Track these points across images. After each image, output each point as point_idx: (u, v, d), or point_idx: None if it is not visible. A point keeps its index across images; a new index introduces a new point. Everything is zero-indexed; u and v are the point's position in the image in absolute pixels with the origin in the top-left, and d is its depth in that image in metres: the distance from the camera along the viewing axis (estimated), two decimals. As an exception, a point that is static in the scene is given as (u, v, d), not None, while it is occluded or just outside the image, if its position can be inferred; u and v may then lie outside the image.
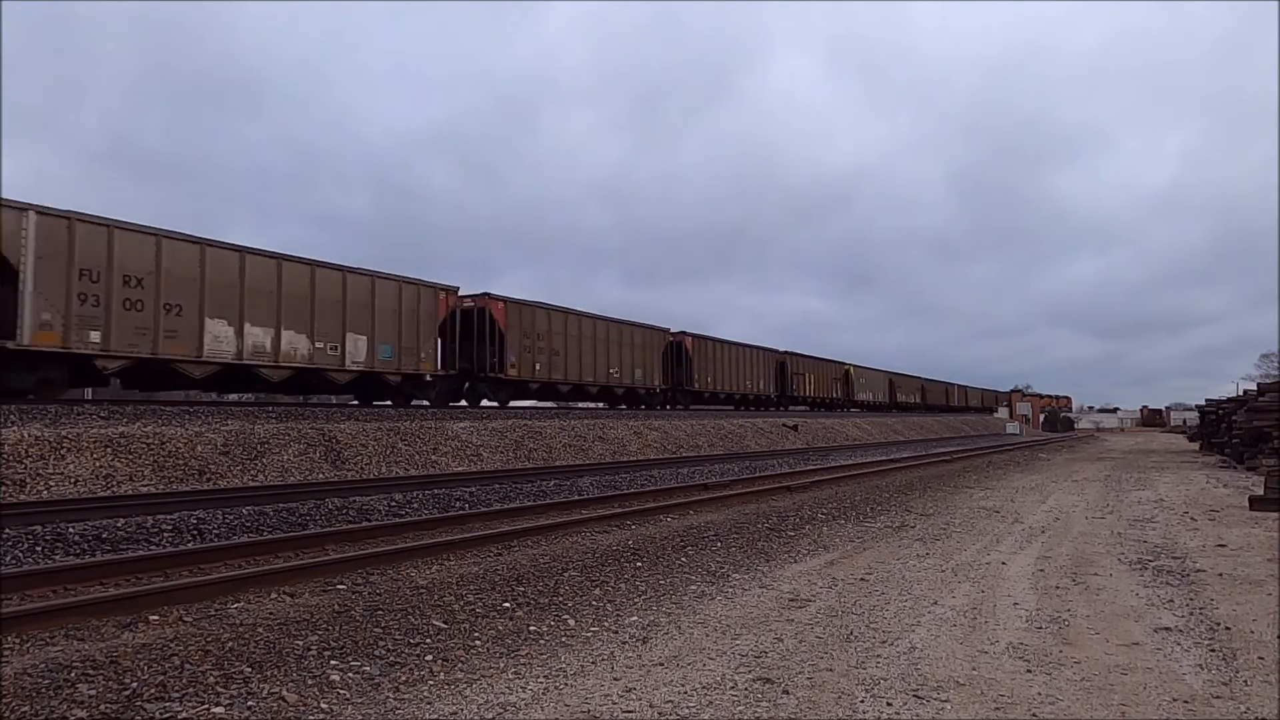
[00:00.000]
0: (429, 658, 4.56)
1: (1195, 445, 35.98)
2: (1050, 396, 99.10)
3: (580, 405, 29.10)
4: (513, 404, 24.51)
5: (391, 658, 4.55)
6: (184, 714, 3.66)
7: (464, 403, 23.00)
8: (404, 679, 4.21)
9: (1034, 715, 3.64)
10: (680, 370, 31.25)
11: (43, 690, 3.79)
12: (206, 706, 3.75)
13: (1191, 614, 5.44)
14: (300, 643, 4.68)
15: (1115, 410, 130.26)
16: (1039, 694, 3.90)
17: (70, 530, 7.79)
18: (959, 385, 74.78)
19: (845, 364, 49.65)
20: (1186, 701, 3.82)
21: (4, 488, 9.65)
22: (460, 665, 4.46)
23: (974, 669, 4.29)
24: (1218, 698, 3.87)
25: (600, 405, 29.58)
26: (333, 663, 4.41)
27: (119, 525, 8.16)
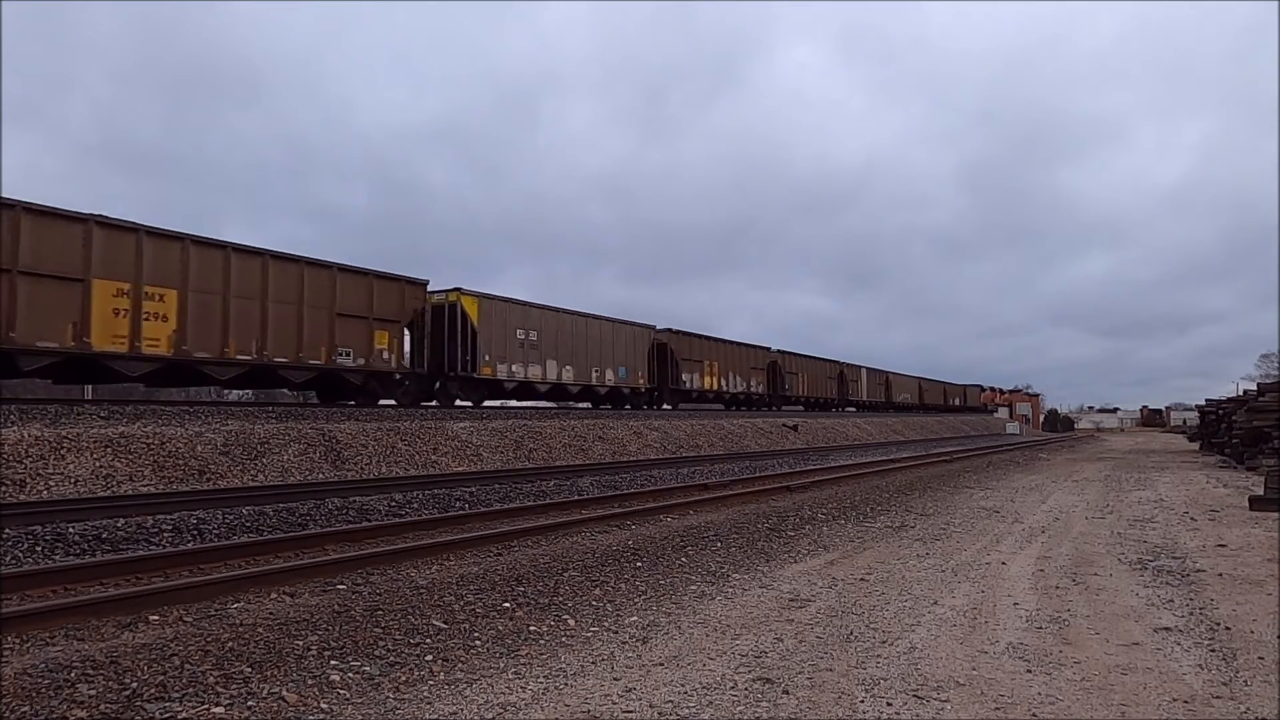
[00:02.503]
0: (429, 658, 4.56)
1: (1195, 445, 35.99)
2: (1013, 394, 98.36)
3: (579, 405, 28.95)
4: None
5: (391, 658, 4.55)
6: (184, 714, 3.66)
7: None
8: (404, 679, 4.21)
9: (1034, 715, 3.64)
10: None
11: (43, 690, 3.79)
12: (206, 706, 3.75)
13: (1191, 614, 5.44)
14: (300, 643, 4.67)
15: (1115, 410, 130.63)
16: (1039, 694, 3.90)
17: (70, 530, 7.79)
18: (913, 377, 69.31)
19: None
20: (1186, 701, 3.82)
21: (4, 488, 9.65)
22: (460, 665, 4.46)
23: (974, 669, 4.29)
24: (1218, 698, 3.87)
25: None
26: (333, 663, 4.41)
27: (119, 525, 8.16)
